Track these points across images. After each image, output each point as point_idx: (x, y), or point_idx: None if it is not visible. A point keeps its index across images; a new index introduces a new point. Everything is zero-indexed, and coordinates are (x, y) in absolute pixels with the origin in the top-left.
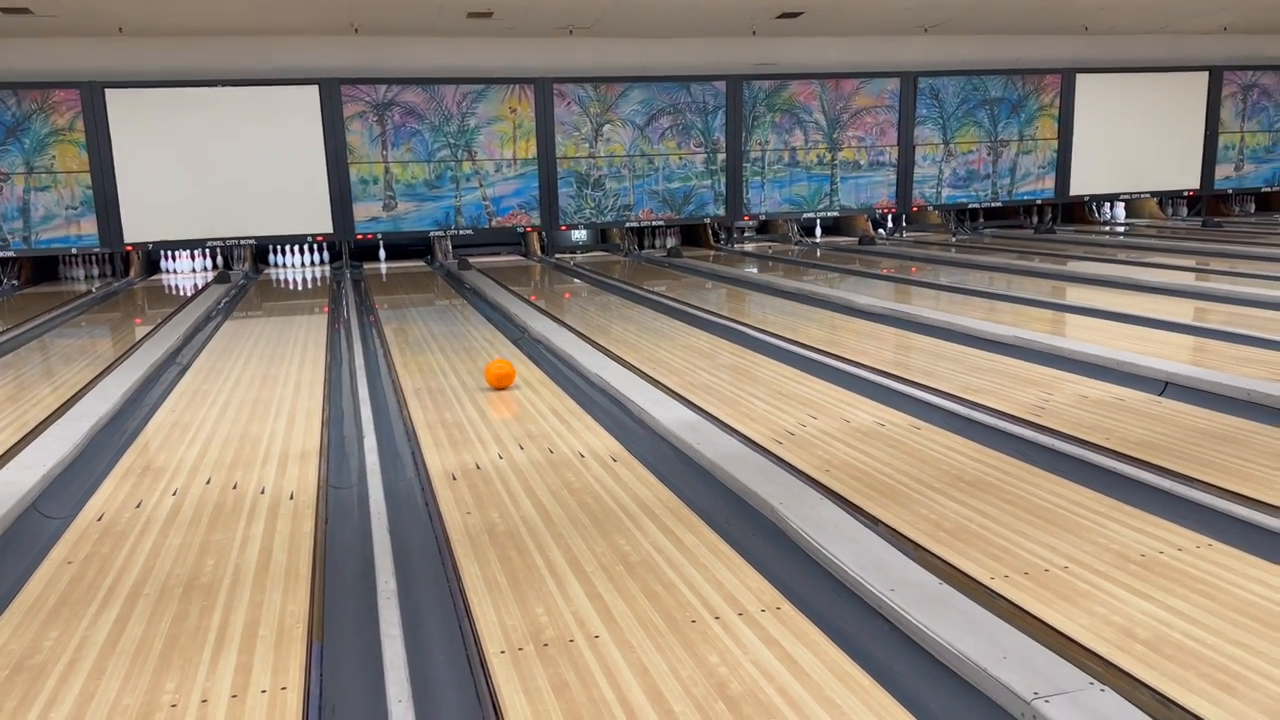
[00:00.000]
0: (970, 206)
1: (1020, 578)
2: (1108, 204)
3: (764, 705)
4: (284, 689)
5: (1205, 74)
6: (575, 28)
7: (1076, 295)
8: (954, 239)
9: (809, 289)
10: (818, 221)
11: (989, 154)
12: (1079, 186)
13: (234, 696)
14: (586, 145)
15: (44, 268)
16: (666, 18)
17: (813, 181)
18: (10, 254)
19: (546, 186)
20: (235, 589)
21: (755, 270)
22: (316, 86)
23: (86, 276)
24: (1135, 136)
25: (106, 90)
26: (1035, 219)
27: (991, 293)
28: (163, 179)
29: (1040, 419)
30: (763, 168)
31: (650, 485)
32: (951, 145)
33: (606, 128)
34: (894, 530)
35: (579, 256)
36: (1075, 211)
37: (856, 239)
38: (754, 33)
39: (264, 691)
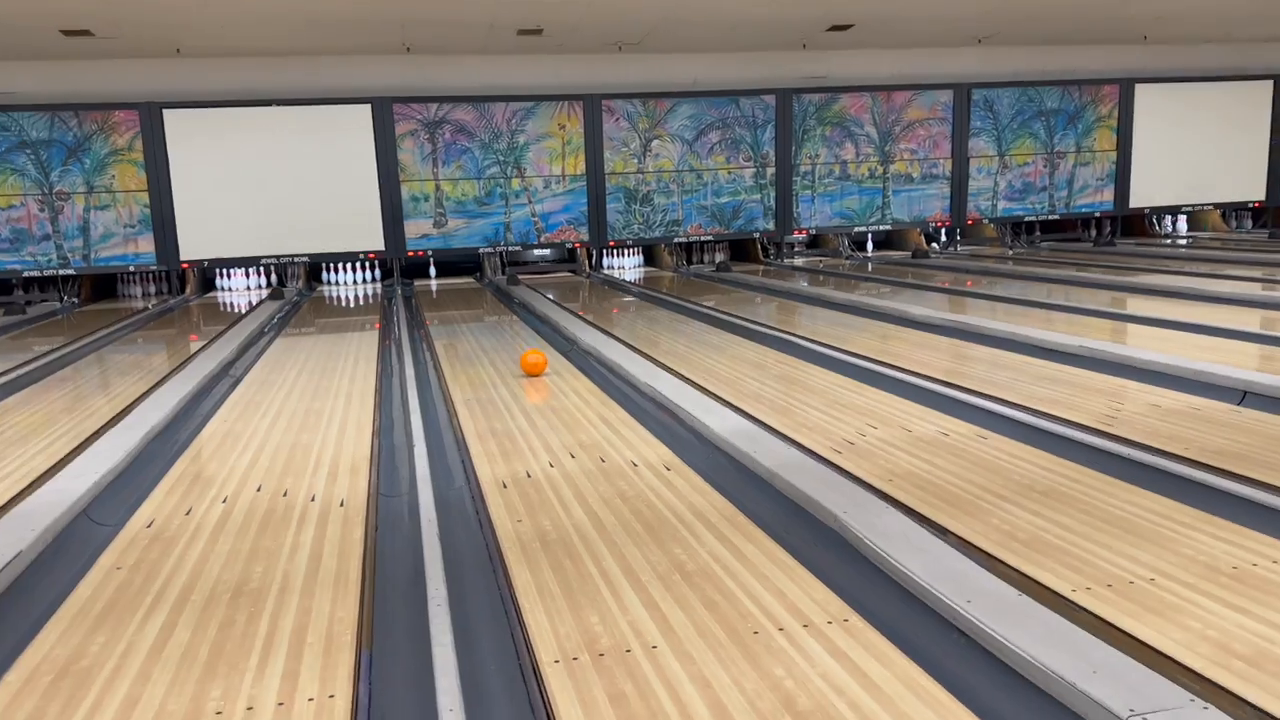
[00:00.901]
0: (1027, 219)
1: (1104, 590)
2: (1168, 217)
3: (833, 718)
4: (332, 697)
5: (1270, 83)
6: (624, 44)
7: (1142, 306)
8: (1010, 252)
9: (861, 300)
10: (869, 236)
11: (1045, 166)
12: (1139, 199)
13: (280, 704)
14: (635, 161)
15: (103, 286)
16: (715, 33)
17: (864, 195)
18: (70, 271)
19: (595, 202)
20: (284, 595)
21: (806, 284)
22: (369, 105)
23: (144, 294)
24: (1197, 147)
25: (164, 111)
26: (1094, 232)
27: (1052, 303)
28: (218, 197)
29: (1112, 429)
30: (813, 181)
31: (705, 494)
32: (1007, 157)
33: (655, 143)
34: (964, 541)
35: (628, 273)
36: (1135, 225)
37: (909, 253)
38: (804, 46)
39: (311, 699)
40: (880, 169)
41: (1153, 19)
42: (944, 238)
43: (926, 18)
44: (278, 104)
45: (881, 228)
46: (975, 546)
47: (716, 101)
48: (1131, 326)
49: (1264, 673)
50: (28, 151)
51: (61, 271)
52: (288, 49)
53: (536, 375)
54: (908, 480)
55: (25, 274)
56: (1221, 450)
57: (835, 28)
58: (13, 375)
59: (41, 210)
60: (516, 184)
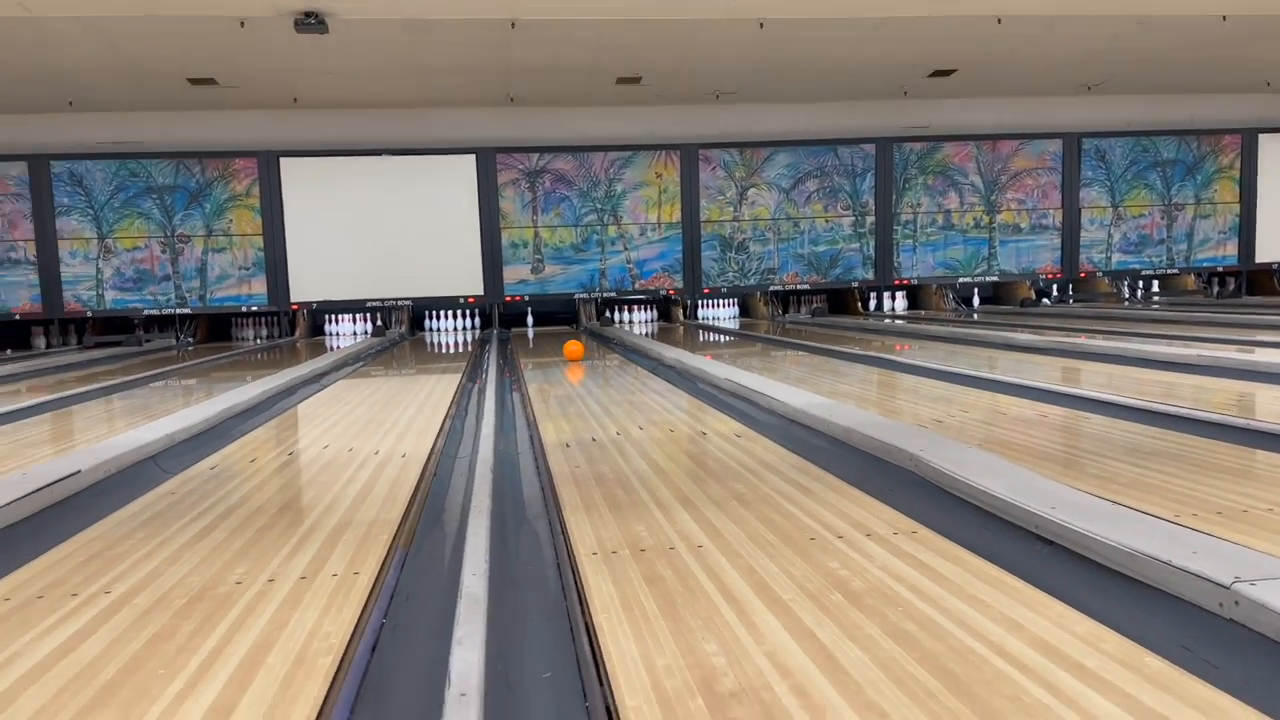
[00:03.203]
0: (1144, 273)
1: (1212, 515)
2: None
3: (891, 598)
4: (356, 574)
5: None
6: (721, 93)
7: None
8: (1126, 304)
9: (966, 331)
10: (975, 290)
11: (1163, 218)
12: (1267, 253)
13: (303, 578)
14: (731, 209)
15: (218, 327)
16: (813, 81)
17: (969, 245)
18: (187, 311)
19: (690, 250)
20: (328, 511)
21: (906, 322)
22: (474, 155)
23: (255, 336)
24: None
25: (281, 158)
26: (1216, 287)
27: (1182, 335)
28: (327, 242)
29: (1235, 412)
30: (914, 230)
31: (775, 452)
32: (1121, 208)
33: (751, 191)
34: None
35: (723, 322)
36: (1262, 282)
37: (1018, 304)
38: (905, 93)
39: (335, 575)
40: (986, 219)
41: (1276, 64)
42: (1055, 292)
43: (1032, 63)
44: (388, 153)
45: (988, 279)
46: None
47: (814, 150)
48: (1261, 349)
49: None
50: (154, 196)
51: (179, 311)
52: (399, 100)
53: (575, 360)
54: (1000, 445)
55: (146, 312)
56: None
57: (937, 73)
58: (120, 386)
59: (163, 252)
60: (613, 231)
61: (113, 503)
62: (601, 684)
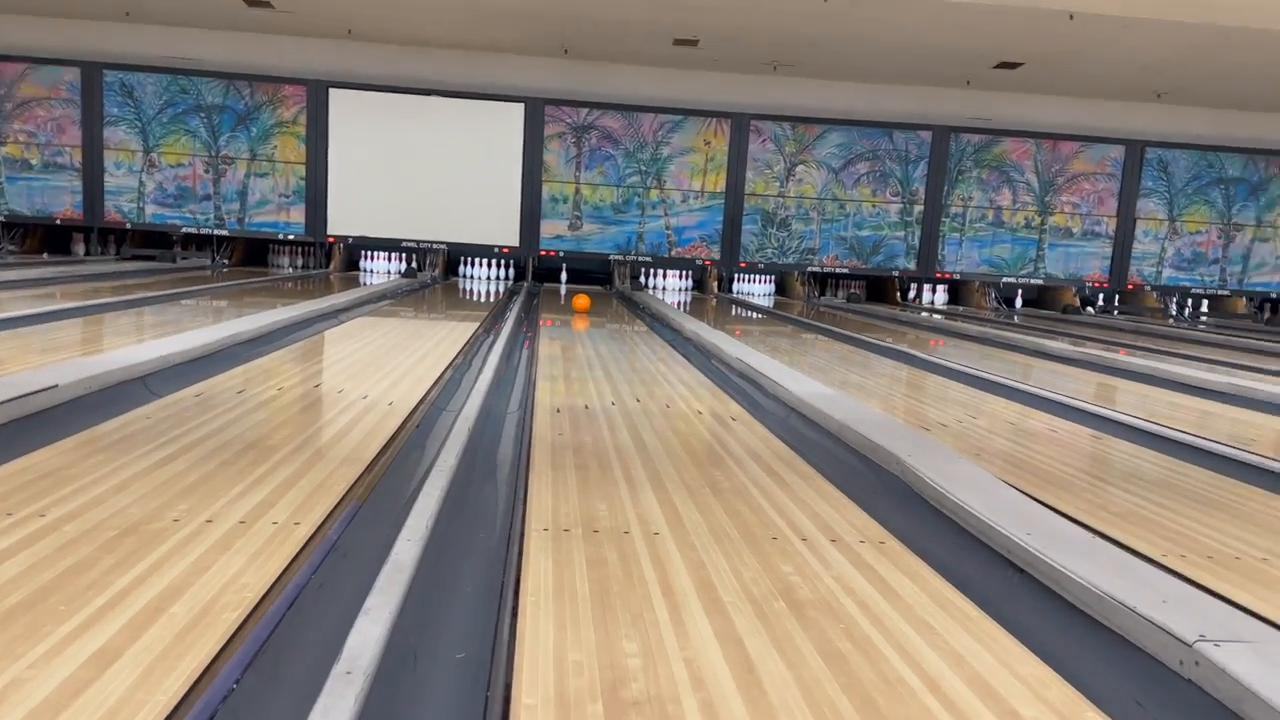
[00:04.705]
0: (1193, 291)
1: (1202, 560)
2: None
3: (835, 612)
4: (297, 524)
5: None
6: (779, 64)
7: None
8: (1171, 322)
9: (1003, 334)
10: (1019, 291)
11: (1220, 237)
12: None
13: (241, 522)
14: (777, 184)
15: (255, 252)
16: (875, 60)
17: (1017, 244)
18: (225, 233)
19: (731, 222)
20: (294, 454)
21: (943, 318)
22: (523, 105)
23: (290, 264)
24: None
25: (331, 89)
26: (1266, 313)
27: (1226, 361)
28: (369, 177)
29: (1250, 447)
30: (963, 224)
31: (765, 440)
32: (1177, 223)
33: (800, 168)
34: (1049, 508)
35: (758, 299)
36: None
37: (1061, 310)
38: (968, 83)
39: (275, 524)
40: (1038, 219)
41: None
42: (1100, 302)
43: (1103, 62)
44: (438, 94)
45: (1033, 281)
46: (1060, 513)
47: (869, 132)
48: None
49: None
50: (201, 115)
51: (216, 231)
52: (452, 41)
53: (582, 312)
54: (999, 457)
55: (184, 229)
56: None
57: (1003, 64)
58: (150, 300)
59: (206, 171)
60: (655, 195)
61: (87, 421)
62: (507, 675)
